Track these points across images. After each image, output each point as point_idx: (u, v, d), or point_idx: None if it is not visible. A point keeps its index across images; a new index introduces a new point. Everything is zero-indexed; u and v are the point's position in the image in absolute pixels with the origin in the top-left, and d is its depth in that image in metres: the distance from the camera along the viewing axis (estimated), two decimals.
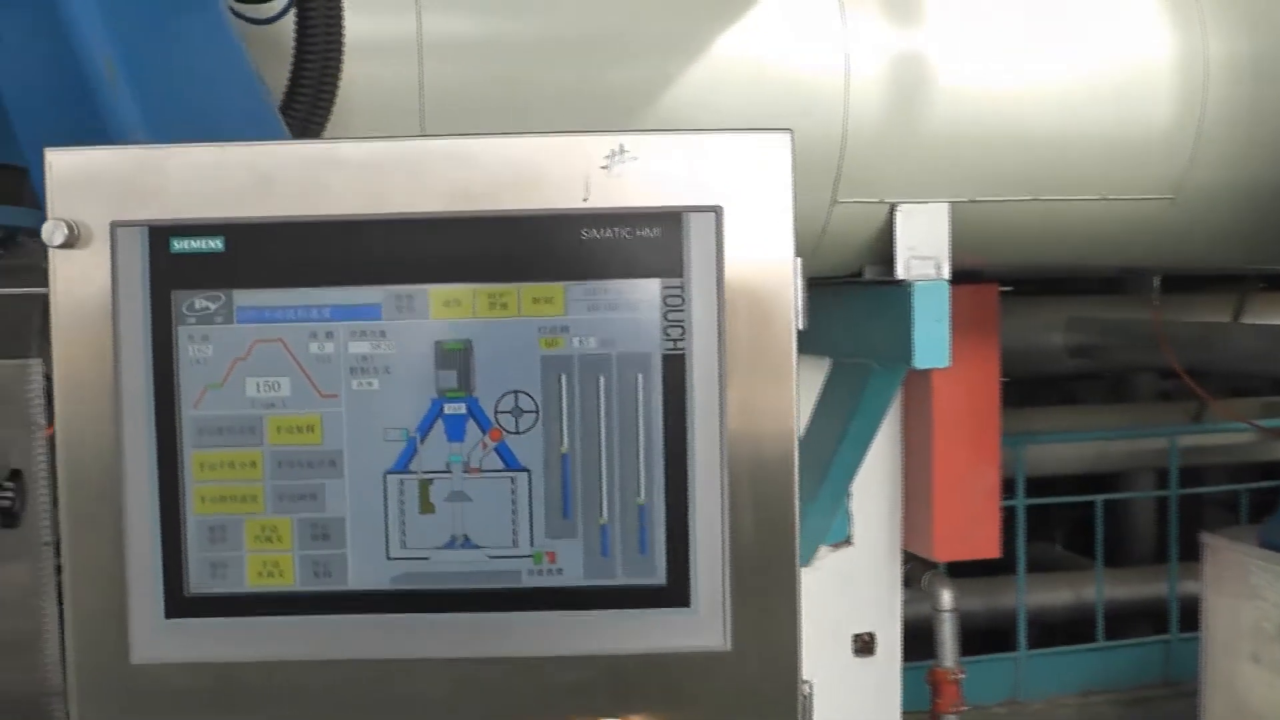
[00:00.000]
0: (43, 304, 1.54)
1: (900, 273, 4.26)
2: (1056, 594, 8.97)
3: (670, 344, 1.56)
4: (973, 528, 6.36)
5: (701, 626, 1.59)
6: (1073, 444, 9.07)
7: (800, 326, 1.57)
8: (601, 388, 1.57)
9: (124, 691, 1.59)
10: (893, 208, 4.21)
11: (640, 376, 1.57)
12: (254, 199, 1.56)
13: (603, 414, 1.57)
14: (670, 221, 1.55)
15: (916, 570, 6.78)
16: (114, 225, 1.54)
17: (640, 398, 1.57)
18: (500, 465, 1.58)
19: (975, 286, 5.90)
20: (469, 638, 1.60)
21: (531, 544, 1.59)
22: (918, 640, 6.91)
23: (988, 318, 6.22)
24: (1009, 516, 7.52)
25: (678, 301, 1.56)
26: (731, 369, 1.56)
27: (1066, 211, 4.35)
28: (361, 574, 1.59)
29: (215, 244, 1.55)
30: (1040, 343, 8.12)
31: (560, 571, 1.59)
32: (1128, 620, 9.28)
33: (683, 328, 1.56)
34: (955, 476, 6.26)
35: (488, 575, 1.59)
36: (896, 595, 6.56)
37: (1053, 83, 4.17)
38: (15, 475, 2.33)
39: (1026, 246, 4.61)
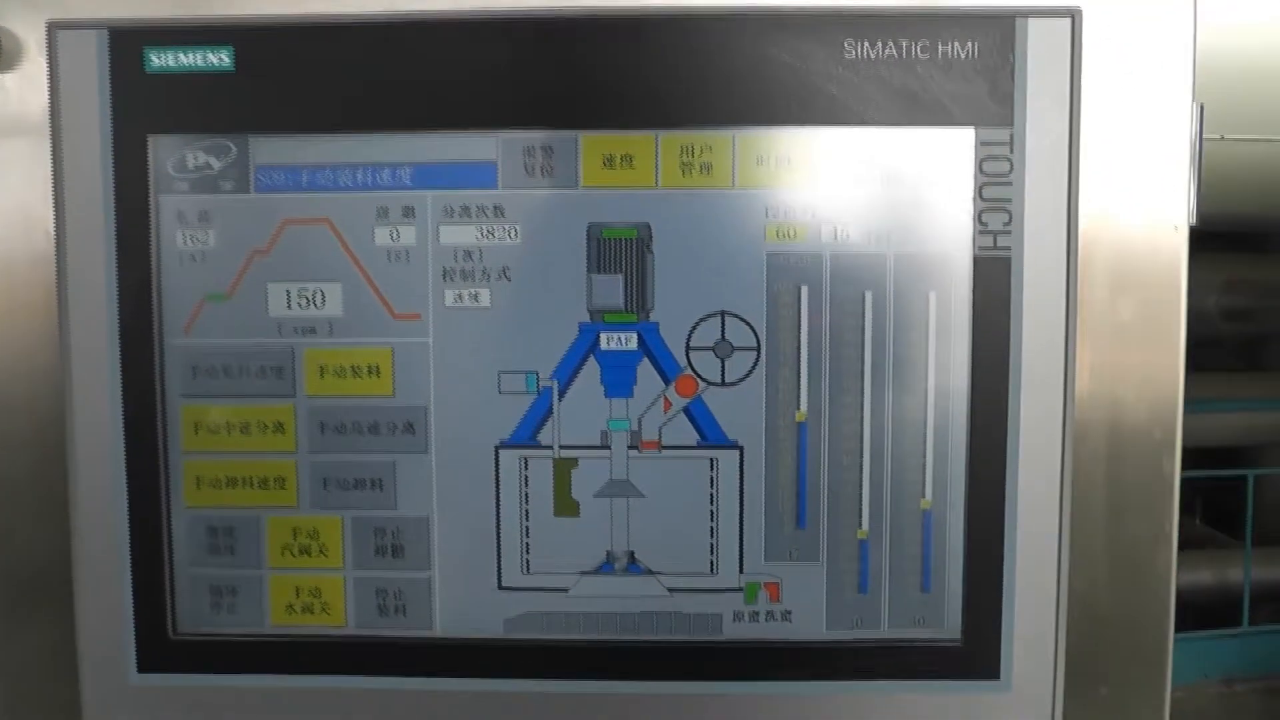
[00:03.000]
0: None
1: None
2: (1198, 574, 8.59)
3: (988, 240, 1.00)
4: None
5: (1016, 711, 1.07)
6: (1216, 414, 8.65)
7: (1192, 221, 1.04)
8: (867, 311, 1.02)
9: None
10: None
11: (932, 295, 1.01)
12: None
13: (868, 356, 1.03)
14: (993, 31, 0.99)
15: None
16: (52, 27, 1.02)
17: (931, 330, 1.02)
18: (694, 438, 1.04)
19: None
20: None
21: (741, 569, 1.06)
22: None
23: None
24: None
25: (1003, 169, 0.99)
26: (1084, 289, 1.02)
27: None
28: (457, 612, 1.07)
29: (220, 58, 1.02)
30: (1191, 304, 7.65)
31: (788, 616, 1.06)
32: (1269, 603, 8.92)
33: (1009, 213, 1.00)
34: None
35: (667, 620, 1.07)
36: None
37: None
38: None
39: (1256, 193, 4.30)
